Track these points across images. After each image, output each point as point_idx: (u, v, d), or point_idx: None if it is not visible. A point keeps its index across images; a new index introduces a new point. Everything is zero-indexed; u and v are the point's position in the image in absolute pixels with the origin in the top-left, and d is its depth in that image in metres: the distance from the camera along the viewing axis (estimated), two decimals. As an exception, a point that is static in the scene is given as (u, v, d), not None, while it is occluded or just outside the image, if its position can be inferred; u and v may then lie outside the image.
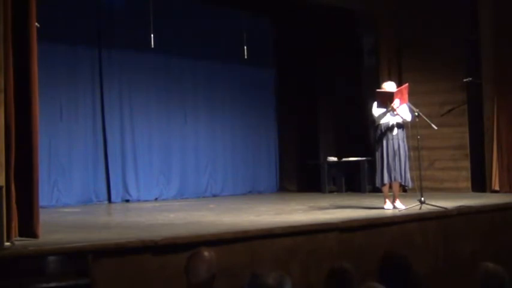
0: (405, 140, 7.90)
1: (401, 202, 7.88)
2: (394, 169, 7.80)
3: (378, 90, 8.19)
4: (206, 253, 3.85)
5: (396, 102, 7.75)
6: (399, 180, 7.90)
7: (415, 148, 7.96)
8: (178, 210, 8.79)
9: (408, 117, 7.86)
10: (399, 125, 7.88)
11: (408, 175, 7.90)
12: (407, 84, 8.08)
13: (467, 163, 10.87)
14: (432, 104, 10.54)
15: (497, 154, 10.48)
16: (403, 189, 8.75)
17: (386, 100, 7.79)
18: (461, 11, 10.96)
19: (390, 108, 7.78)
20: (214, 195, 11.84)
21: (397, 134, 7.85)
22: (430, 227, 7.09)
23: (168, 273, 4.90)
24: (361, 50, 12.27)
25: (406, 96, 7.87)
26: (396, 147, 7.82)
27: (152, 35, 10.30)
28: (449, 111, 10.88)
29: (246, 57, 11.84)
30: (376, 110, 7.91)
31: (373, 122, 8.24)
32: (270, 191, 12.75)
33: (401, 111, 7.84)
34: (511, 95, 10.50)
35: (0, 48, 4.94)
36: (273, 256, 5.56)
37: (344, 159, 12.15)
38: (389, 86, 8.08)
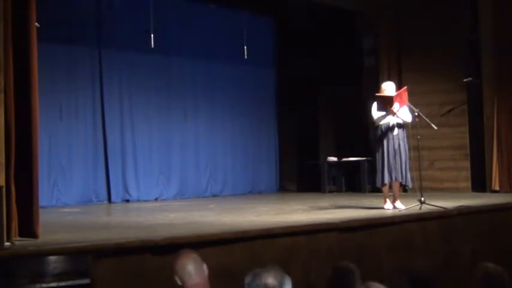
0: (405, 139, 7.89)
1: (401, 202, 7.87)
2: (395, 169, 7.78)
3: (377, 94, 8.13)
4: (193, 254, 3.79)
5: (396, 106, 7.73)
6: (400, 180, 7.89)
7: (415, 148, 7.95)
8: (178, 210, 8.78)
9: (409, 119, 7.85)
10: (400, 125, 7.86)
11: (409, 175, 7.88)
12: (405, 87, 8.07)
13: (467, 163, 10.87)
14: (432, 104, 10.54)
15: (497, 154, 10.47)
16: (403, 189, 8.75)
17: (386, 104, 7.77)
18: (461, 11, 10.96)
19: (390, 112, 7.77)
20: (214, 195, 11.83)
21: (398, 133, 7.83)
22: (430, 227, 7.09)
23: (168, 273, 4.86)
24: (361, 50, 12.27)
25: (405, 98, 7.85)
26: (397, 147, 7.81)
27: (152, 35, 10.31)
28: (449, 111, 10.88)
29: (246, 56, 11.84)
30: (376, 113, 7.89)
31: (372, 122, 8.23)
32: (270, 191, 12.74)
33: (402, 114, 7.83)
34: (511, 95, 10.50)
35: (0, 48, 4.93)
36: (273, 256, 5.55)
37: (344, 159, 12.15)
38: (388, 86, 8.05)
